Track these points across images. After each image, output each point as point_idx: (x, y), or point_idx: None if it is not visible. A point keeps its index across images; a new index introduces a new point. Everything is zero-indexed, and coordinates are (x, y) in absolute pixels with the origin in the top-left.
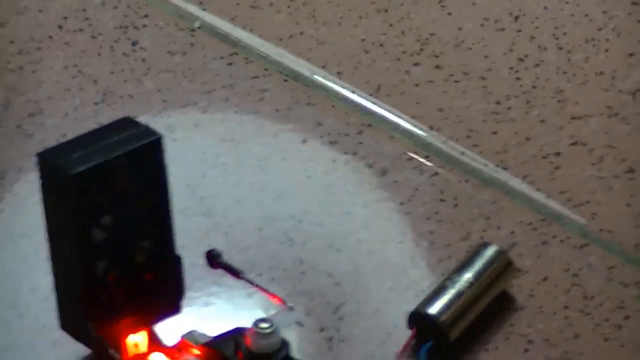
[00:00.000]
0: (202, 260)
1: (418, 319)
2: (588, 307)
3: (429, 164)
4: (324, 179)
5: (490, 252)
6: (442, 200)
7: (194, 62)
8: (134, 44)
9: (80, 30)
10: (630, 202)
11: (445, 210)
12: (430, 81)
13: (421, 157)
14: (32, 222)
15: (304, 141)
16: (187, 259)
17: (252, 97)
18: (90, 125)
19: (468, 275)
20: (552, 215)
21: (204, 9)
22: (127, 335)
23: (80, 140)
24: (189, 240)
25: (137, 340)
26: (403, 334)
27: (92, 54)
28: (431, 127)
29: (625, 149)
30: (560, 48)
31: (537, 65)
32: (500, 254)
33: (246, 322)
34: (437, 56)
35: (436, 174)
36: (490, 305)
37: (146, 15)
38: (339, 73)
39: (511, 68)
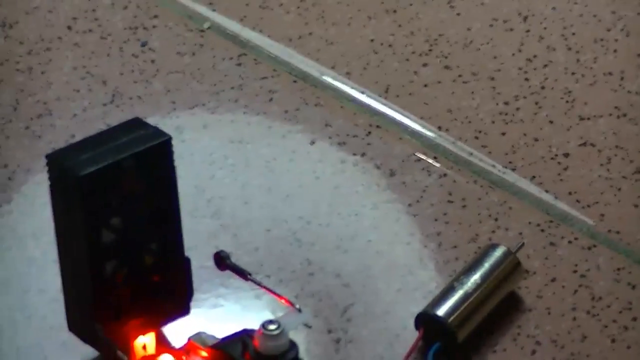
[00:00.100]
0: (210, 262)
1: (426, 321)
2: (596, 309)
3: (437, 165)
4: (332, 179)
5: (498, 253)
6: (450, 201)
7: (203, 62)
8: (143, 44)
9: (90, 31)
10: (638, 203)
11: (453, 212)
12: (439, 82)
13: (430, 158)
14: (40, 223)
15: (313, 142)
16: (195, 260)
17: (261, 97)
18: (99, 126)
19: (476, 277)
20: (560, 216)
21: (214, 10)
22: (135, 337)
23: (89, 142)
24: (197, 241)
25: (145, 341)
26: (411, 335)
27: (102, 54)
28: (440, 128)
29: (633, 150)
30: (569, 48)
31: (545, 65)
32: (508, 255)
33: (254, 323)
34: (445, 57)
35: (444, 175)
36: (498, 307)
37: (156, 16)
38: (347, 74)
39: (520, 68)
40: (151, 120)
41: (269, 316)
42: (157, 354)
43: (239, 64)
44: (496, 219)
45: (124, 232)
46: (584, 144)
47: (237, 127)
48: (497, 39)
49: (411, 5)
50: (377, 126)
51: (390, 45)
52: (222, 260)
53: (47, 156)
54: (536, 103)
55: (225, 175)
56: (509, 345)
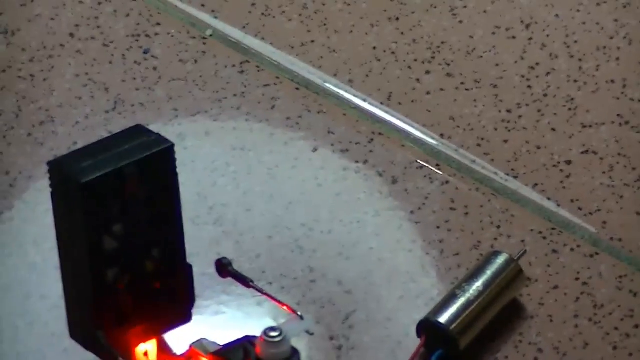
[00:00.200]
0: (212, 269)
1: (428, 328)
2: (597, 316)
3: (439, 172)
4: (334, 187)
5: (500, 260)
6: (452, 208)
7: (206, 70)
8: (146, 52)
9: (92, 38)
10: None
11: (455, 219)
12: (442, 89)
13: (432, 165)
14: (42, 230)
15: (315, 149)
16: (197, 267)
17: (263, 105)
18: (101, 133)
19: (478, 284)
20: (562, 224)
21: (216, 17)
22: (136, 344)
23: (91, 149)
24: (199, 248)
25: (146, 348)
26: (413, 342)
27: (104, 62)
28: (442, 136)
29: (636, 158)
30: (572, 56)
31: (548, 73)
32: (510, 262)
33: (256, 330)
34: (448, 64)
35: (447, 182)
36: (500, 314)
37: (158, 24)
38: (350, 81)
39: (522, 76)
40: (153, 128)
41: (271, 323)
42: None
43: (242, 72)
44: (498, 227)
45: (125, 239)
46: (586, 152)
47: (239, 135)
48: (499, 47)
49: (414, 13)
50: (380, 133)
51: (392, 53)
52: (224, 267)
53: (49, 163)
54: (538, 111)
55: (227, 183)
56: (511, 353)
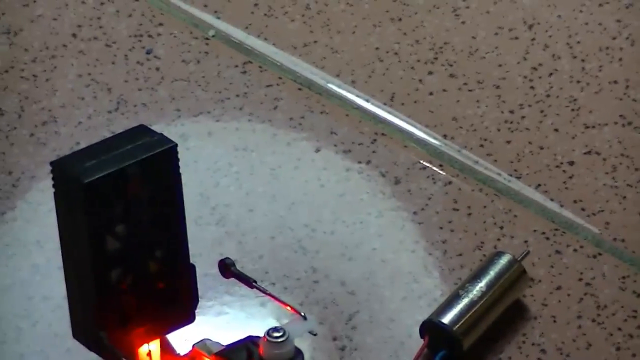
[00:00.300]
0: (215, 269)
1: (431, 328)
2: (601, 317)
3: (442, 173)
4: (337, 187)
5: (503, 261)
6: (455, 209)
7: (208, 70)
8: (148, 52)
9: (95, 38)
10: None
11: (458, 220)
12: (444, 90)
13: (435, 166)
14: (44, 230)
15: (318, 150)
16: (200, 267)
17: (266, 105)
18: (104, 133)
19: (481, 285)
20: (565, 225)
21: (219, 18)
22: (140, 344)
23: (93, 149)
24: (202, 248)
25: (149, 349)
26: (416, 343)
27: (106, 62)
28: (445, 136)
29: (638, 158)
30: (575, 57)
31: (551, 74)
32: (513, 263)
33: (259, 331)
34: (451, 65)
35: (450, 183)
36: (503, 315)
37: (161, 24)
38: (352, 82)
39: (525, 77)
40: (156, 128)
41: (274, 323)
42: None
43: (244, 72)
44: (501, 227)
45: (128, 240)
46: (589, 152)
47: (242, 135)
48: (502, 47)
49: (416, 13)
50: (382, 134)
51: (395, 53)
52: (226, 268)
53: (52, 163)
54: (541, 111)
55: (230, 183)
56: (514, 354)
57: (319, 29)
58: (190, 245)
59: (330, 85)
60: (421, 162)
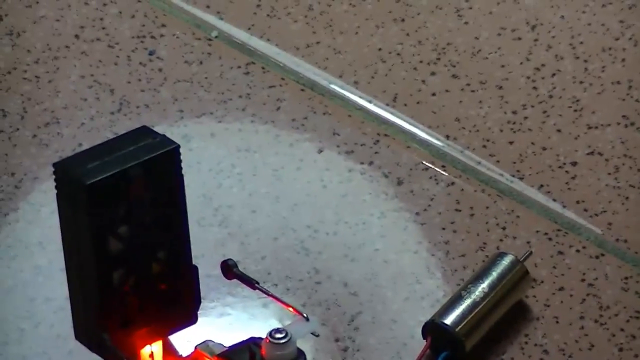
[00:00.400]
0: (217, 270)
1: (433, 329)
2: (603, 317)
3: (445, 173)
4: (339, 188)
5: (506, 262)
6: (458, 210)
7: (211, 71)
8: (151, 53)
9: (97, 39)
10: None
11: (461, 220)
12: (447, 90)
13: (437, 166)
14: (47, 231)
15: (320, 151)
16: (203, 269)
17: (269, 106)
18: (107, 135)
19: (484, 285)
20: (568, 225)
21: (221, 19)
22: (142, 346)
23: (96, 150)
24: (205, 250)
25: (152, 350)
26: (418, 344)
27: (109, 63)
28: (447, 137)
29: None
30: (577, 57)
31: (553, 74)
32: (516, 263)
33: (261, 332)
34: (454, 65)
35: (452, 183)
36: (505, 315)
37: (163, 25)
38: (355, 82)
39: (528, 77)
40: (158, 129)
41: (277, 325)
42: None
43: (247, 73)
44: (504, 228)
45: (131, 241)
46: (592, 153)
47: (244, 136)
48: (505, 48)
49: (419, 14)
50: (385, 135)
51: (398, 54)
52: (229, 269)
53: (54, 164)
54: (544, 112)
55: (232, 184)
56: (517, 354)
57: (321, 29)
58: (192, 247)
59: (333, 86)
60: (424, 162)
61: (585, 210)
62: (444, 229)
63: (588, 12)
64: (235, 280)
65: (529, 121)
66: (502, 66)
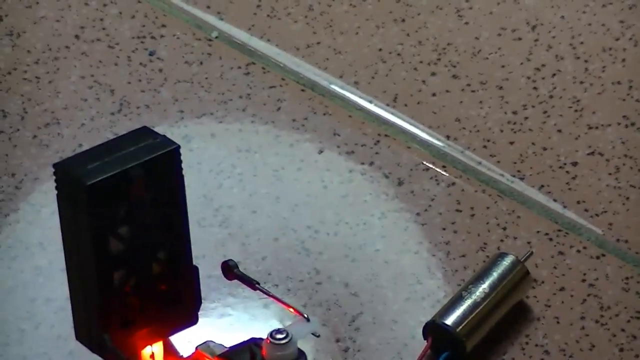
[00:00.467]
0: (218, 271)
1: (434, 330)
2: (604, 318)
3: (445, 174)
4: (340, 189)
5: (506, 262)
6: (458, 210)
7: (211, 72)
8: (151, 54)
9: (98, 40)
10: None
11: (461, 221)
12: (447, 91)
13: (438, 167)
14: (47, 232)
15: (321, 151)
16: (203, 269)
17: (269, 107)
18: (107, 135)
19: (484, 286)
20: (568, 225)
21: (222, 19)
22: (143, 346)
23: (96, 151)
24: (205, 250)
25: (153, 351)
26: (419, 344)
27: (109, 64)
28: (448, 137)
29: None
30: (577, 57)
31: (554, 74)
32: (516, 264)
33: (262, 332)
34: (454, 66)
35: (453, 184)
36: (506, 316)
37: (164, 25)
38: (355, 83)
39: (528, 78)
40: (159, 129)
41: (277, 325)
42: None
43: (247, 73)
44: (505, 228)
45: (131, 241)
46: (592, 153)
47: (244, 136)
48: (505, 48)
49: (419, 14)
50: (386, 135)
51: (398, 54)
52: (230, 270)
53: (55, 165)
54: (544, 112)
55: (233, 184)
56: (518, 355)
57: (322, 30)
58: (193, 247)
59: (333, 87)
60: (424, 163)
61: (586, 210)
62: (444, 229)
63: (588, 12)
64: (235, 281)
65: (530, 121)
66: (503, 66)
